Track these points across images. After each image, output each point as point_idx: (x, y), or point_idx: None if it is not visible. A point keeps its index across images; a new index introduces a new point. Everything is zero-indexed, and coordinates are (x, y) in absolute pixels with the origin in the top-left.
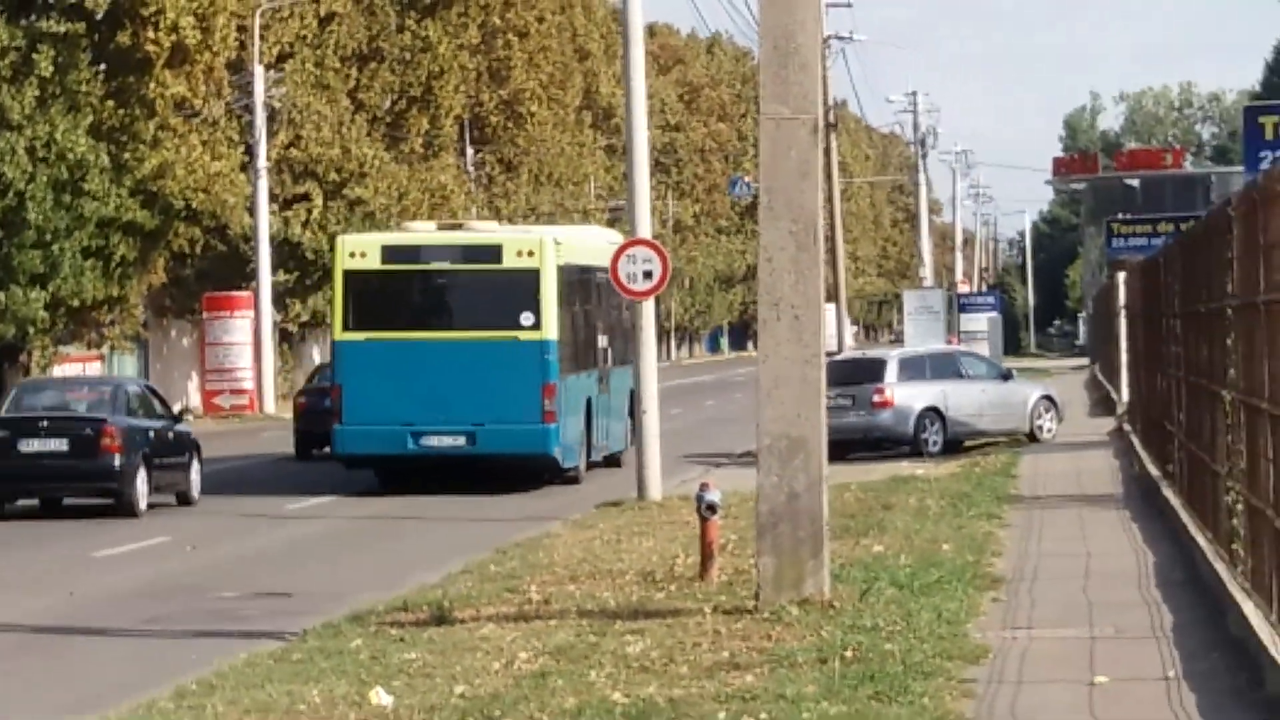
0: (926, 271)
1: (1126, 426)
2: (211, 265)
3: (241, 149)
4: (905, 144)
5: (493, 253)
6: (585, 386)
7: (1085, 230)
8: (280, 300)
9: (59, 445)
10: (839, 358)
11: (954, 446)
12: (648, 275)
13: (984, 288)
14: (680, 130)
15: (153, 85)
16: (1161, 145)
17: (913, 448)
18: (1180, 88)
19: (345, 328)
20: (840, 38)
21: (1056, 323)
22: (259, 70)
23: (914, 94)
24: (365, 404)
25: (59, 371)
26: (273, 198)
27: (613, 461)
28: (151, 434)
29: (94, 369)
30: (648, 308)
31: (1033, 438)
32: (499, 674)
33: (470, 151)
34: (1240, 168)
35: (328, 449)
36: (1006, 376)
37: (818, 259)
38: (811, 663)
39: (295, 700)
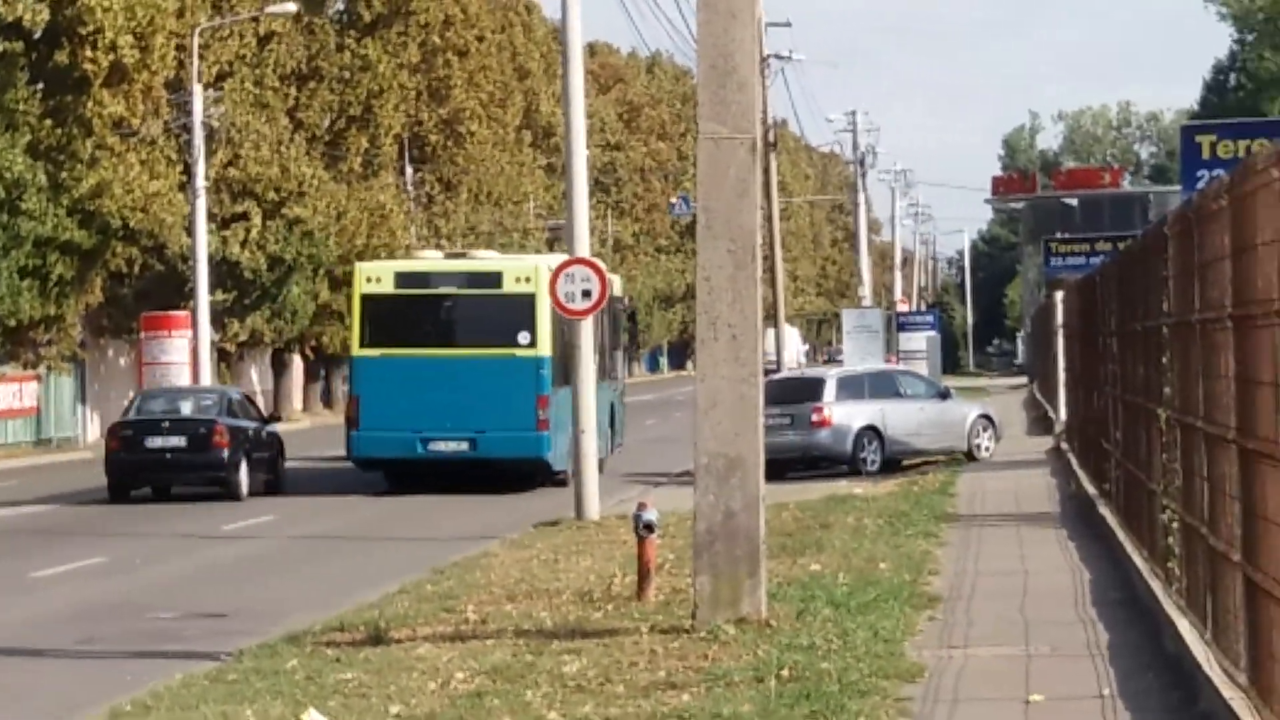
0: (866, 290)
1: (1064, 445)
2: (149, 285)
3: (180, 168)
4: (845, 163)
5: (494, 279)
6: (570, 399)
7: (1024, 249)
8: (218, 320)
9: (178, 442)
10: (777, 377)
11: (892, 465)
12: (586, 294)
13: (923, 307)
14: (620, 149)
15: (91, 104)
16: (1100, 164)
17: (851, 466)
18: (1119, 107)
19: (362, 344)
20: (779, 57)
21: (995, 341)
22: (197, 89)
23: (853, 113)
24: (379, 412)
25: None
26: (211, 217)
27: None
28: (250, 433)
29: (30, 390)
30: (586, 327)
31: (971, 456)
32: (435, 694)
33: (410, 171)
34: (1178, 187)
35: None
36: (945, 395)
37: (755, 278)
38: (748, 682)
39: None
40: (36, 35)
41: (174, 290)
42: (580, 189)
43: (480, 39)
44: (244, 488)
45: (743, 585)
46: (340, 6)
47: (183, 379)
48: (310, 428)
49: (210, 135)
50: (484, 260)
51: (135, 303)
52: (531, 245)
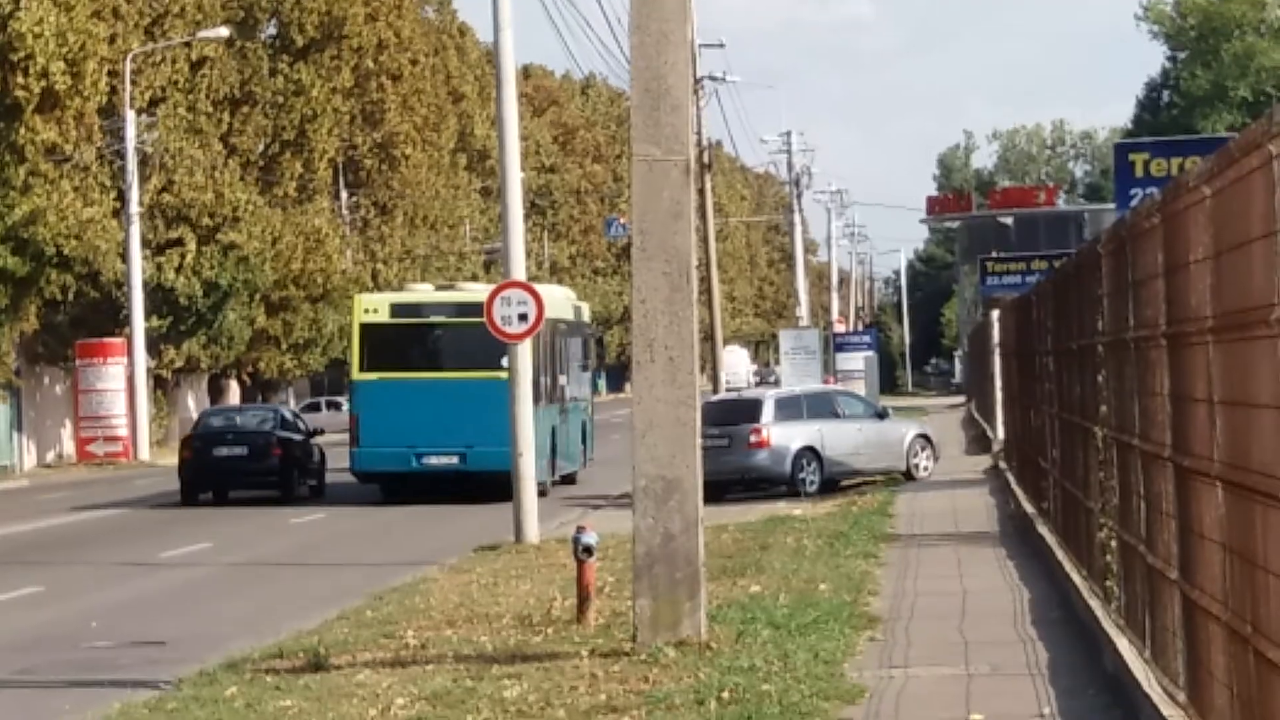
0: (803, 311)
1: (1002, 464)
2: (84, 312)
3: (114, 195)
4: (780, 184)
5: (479, 309)
6: (550, 416)
7: (960, 268)
8: (154, 346)
9: (240, 451)
10: (715, 398)
11: (831, 486)
12: (523, 318)
13: (860, 327)
14: (555, 172)
15: (23, 131)
16: (1035, 183)
17: (790, 487)
18: (1053, 126)
19: (361, 369)
20: (714, 78)
21: (933, 361)
22: (130, 115)
23: (788, 134)
24: (377, 430)
25: None
26: (145, 243)
27: (569, 479)
28: (298, 445)
29: None
30: (524, 350)
31: (909, 476)
32: None
33: (344, 195)
34: (1112, 205)
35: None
36: (882, 415)
37: (691, 300)
38: (689, 704)
39: None
40: None
41: (109, 317)
42: (515, 212)
43: (414, 62)
44: (295, 491)
45: (683, 608)
46: (273, 31)
47: (118, 406)
48: None
49: (144, 161)
50: (471, 292)
51: (70, 330)
52: (467, 269)
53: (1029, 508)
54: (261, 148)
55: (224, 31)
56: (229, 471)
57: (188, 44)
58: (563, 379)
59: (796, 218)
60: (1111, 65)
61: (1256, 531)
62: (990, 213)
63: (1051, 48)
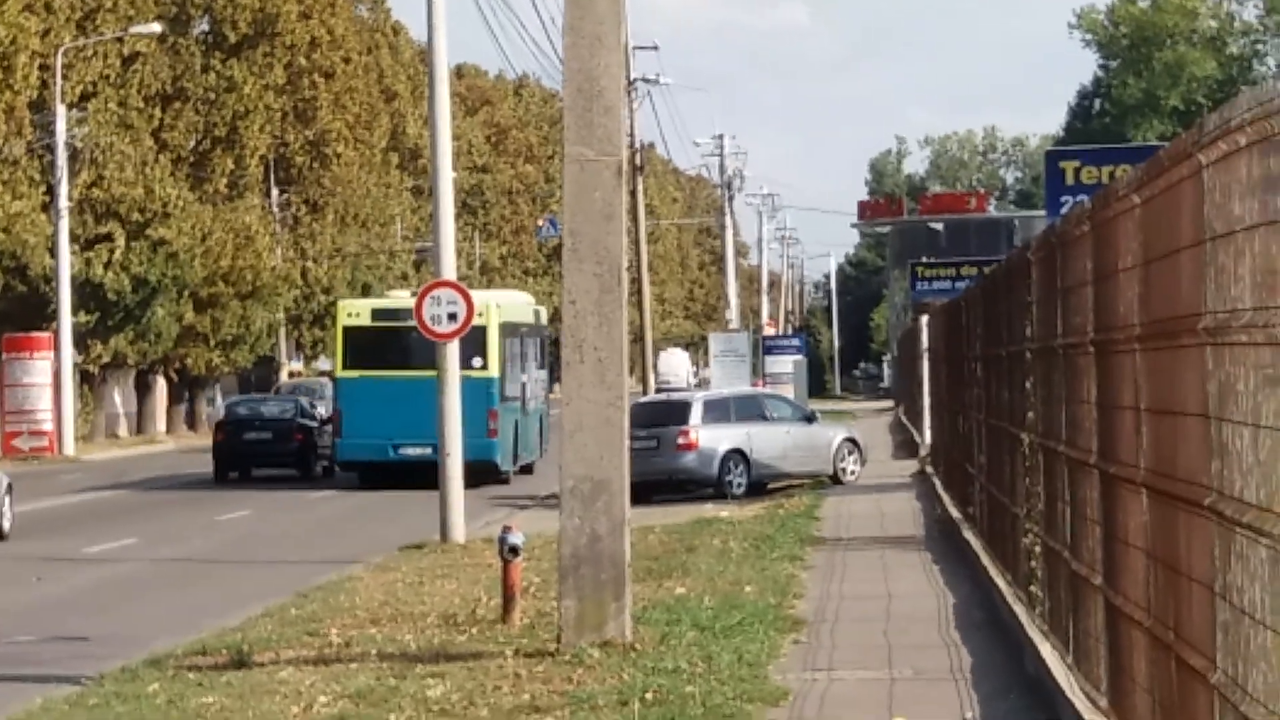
0: (733, 314)
1: (929, 469)
2: (11, 306)
3: (43, 189)
4: (712, 186)
5: None
6: (513, 411)
7: (890, 273)
8: (81, 341)
9: (266, 435)
10: (644, 400)
11: (758, 488)
12: (452, 317)
13: (790, 330)
14: (487, 171)
15: None
16: (966, 189)
17: (717, 490)
18: (985, 133)
19: (344, 368)
20: (647, 80)
21: (861, 365)
22: (61, 109)
23: (720, 137)
24: (358, 423)
25: None
26: (74, 238)
27: (527, 469)
28: (315, 430)
29: None
30: (452, 350)
31: (836, 480)
32: (298, 718)
33: (275, 192)
34: (1043, 212)
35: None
36: (811, 419)
37: (622, 301)
38: (612, 705)
39: None
40: None
41: (36, 311)
42: (447, 211)
43: (346, 60)
44: (313, 469)
45: (608, 609)
46: (205, 27)
47: (44, 401)
48: (175, 449)
49: (74, 156)
50: None
51: None
52: (398, 268)
53: (955, 512)
54: (193, 144)
55: (156, 27)
56: (255, 453)
57: (120, 39)
58: (524, 378)
59: (728, 220)
60: (1045, 73)
61: (1180, 539)
62: (921, 218)
63: (986, 56)
